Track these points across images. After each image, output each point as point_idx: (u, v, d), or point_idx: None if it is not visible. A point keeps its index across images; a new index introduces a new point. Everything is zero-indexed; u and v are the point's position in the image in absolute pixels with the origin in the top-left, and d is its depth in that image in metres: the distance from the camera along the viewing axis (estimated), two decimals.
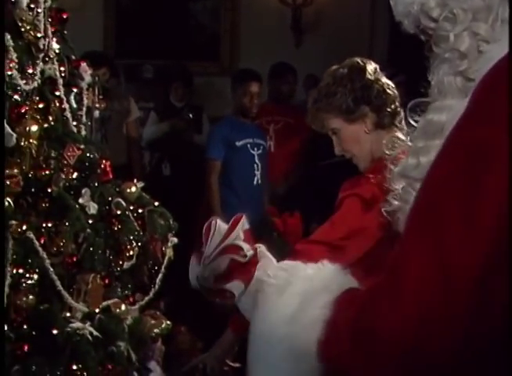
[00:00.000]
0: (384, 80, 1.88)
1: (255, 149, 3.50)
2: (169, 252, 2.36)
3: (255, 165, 3.46)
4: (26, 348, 1.73)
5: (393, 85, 1.88)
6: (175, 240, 2.37)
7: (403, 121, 1.76)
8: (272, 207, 2.89)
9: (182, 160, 4.26)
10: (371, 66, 1.88)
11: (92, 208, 2.05)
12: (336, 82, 1.89)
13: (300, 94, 4.80)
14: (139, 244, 2.23)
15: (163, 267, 2.34)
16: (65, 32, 2.10)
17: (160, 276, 2.33)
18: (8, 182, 1.73)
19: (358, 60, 1.91)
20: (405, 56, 4.79)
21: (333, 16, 5.59)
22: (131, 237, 2.18)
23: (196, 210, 3.95)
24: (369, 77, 1.85)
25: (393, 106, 1.86)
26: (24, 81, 1.76)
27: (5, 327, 1.72)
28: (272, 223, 2.78)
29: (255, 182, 3.42)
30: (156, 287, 2.31)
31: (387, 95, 1.86)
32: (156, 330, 2.19)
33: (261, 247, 1.09)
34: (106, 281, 2.10)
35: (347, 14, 5.56)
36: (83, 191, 2.03)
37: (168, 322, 2.25)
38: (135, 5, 5.71)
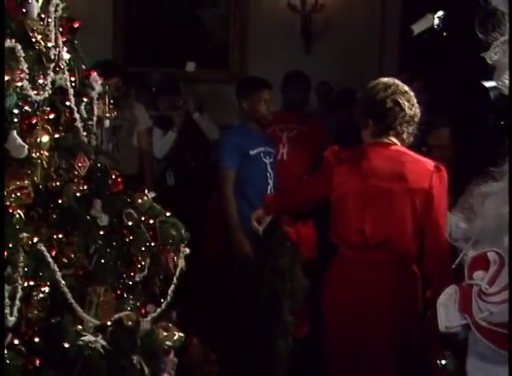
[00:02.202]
0: (397, 100, 2.35)
1: (267, 157, 3.47)
2: (181, 263, 2.33)
3: (268, 174, 3.42)
4: (37, 362, 1.71)
5: (408, 104, 2.36)
6: (187, 250, 2.34)
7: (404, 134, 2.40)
8: (285, 217, 2.84)
9: (185, 169, 4.23)
10: (387, 90, 2.36)
11: (104, 219, 2.03)
12: (360, 98, 2.53)
13: (312, 101, 4.77)
14: (151, 254, 2.21)
15: (175, 278, 2.31)
16: (75, 41, 2.08)
17: (172, 287, 2.31)
18: (18, 194, 1.71)
19: (379, 82, 2.41)
20: (416, 62, 4.77)
21: (343, 22, 5.57)
22: (143, 248, 2.15)
23: (201, 220, 3.89)
24: (378, 98, 2.36)
25: (392, 122, 2.36)
26: (35, 92, 1.74)
27: (16, 341, 1.70)
28: (285, 232, 2.74)
29: (268, 191, 3.38)
30: (169, 298, 2.28)
31: (388, 114, 2.36)
32: (168, 343, 2.16)
33: None
34: (118, 293, 2.08)
35: (358, 20, 5.53)
36: (94, 202, 2.00)
37: (181, 334, 2.21)
38: (144, 14, 5.71)
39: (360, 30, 5.49)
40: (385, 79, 2.41)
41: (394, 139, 2.39)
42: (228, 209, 3.33)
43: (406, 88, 2.38)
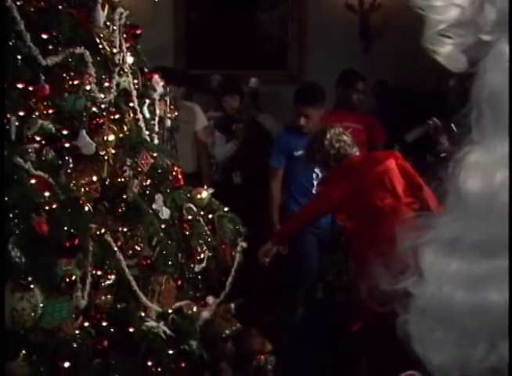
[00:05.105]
0: (337, 138, 2.92)
1: None
2: (239, 256, 2.42)
3: (314, 175, 3.46)
4: (105, 343, 1.84)
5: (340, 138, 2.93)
6: (244, 244, 2.43)
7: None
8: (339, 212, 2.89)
9: (250, 169, 4.31)
10: (326, 135, 2.90)
11: (165, 213, 2.15)
12: (310, 153, 3.02)
13: (368, 101, 4.76)
14: (210, 247, 2.31)
15: (233, 271, 2.41)
16: (138, 46, 2.21)
17: (230, 279, 2.40)
18: (87, 189, 1.85)
19: (315, 134, 2.96)
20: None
21: (401, 20, 5.53)
22: (202, 241, 2.26)
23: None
24: (326, 145, 2.89)
25: (344, 151, 2.91)
26: (102, 94, 1.87)
27: (86, 324, 1.84)
28: (340, 228, 2.79)
29: (314, 191, 3.41)
30: (227, 290, 2.38)
31: (340, 149, 2.89)
32: (227, 332, 2.26)
33: None
34: (179, 283, 2.19)
35: (416, 17, 5.48)
36: (156, 197, 2.13)
37: (239, 324, 2.31)
38: (204, 17, 5.87)
39: (419, 27, 5.45)
40: (316, 129, 3.02)
41: None
42: (269, 206, 3.48)
43: (333, 125, 2.99)
